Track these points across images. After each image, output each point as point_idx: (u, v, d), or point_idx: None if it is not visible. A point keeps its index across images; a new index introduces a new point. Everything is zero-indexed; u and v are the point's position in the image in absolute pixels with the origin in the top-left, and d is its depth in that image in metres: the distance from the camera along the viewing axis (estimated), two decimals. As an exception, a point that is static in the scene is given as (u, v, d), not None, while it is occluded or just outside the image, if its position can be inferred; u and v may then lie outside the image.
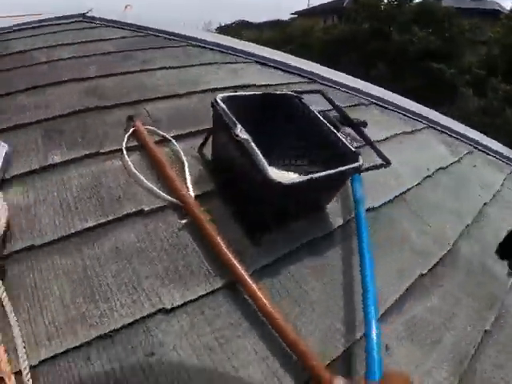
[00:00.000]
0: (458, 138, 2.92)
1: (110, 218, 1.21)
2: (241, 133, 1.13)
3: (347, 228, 1.48)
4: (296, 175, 1.27)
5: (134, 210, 1.24)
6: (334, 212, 1.50)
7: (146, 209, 1.25)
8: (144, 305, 1.00)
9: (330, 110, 1.93)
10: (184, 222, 1.22)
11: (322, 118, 1.42)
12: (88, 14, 2.98)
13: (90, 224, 1.17)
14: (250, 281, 1.04)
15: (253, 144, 1.10)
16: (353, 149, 1.31)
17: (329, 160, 1.26)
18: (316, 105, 1.61)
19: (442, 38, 21.74)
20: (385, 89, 3.13)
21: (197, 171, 1.45)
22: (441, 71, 20.89)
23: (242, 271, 1.05)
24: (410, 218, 1.74)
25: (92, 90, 1.87)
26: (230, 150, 1.24)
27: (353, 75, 3.16)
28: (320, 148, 1.37)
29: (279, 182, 1.03)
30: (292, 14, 37.27)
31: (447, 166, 2.36)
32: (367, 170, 1.36)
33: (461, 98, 19.58)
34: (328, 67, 3.12)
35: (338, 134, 1.37)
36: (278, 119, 1.46)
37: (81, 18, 2.95)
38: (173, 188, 1.29)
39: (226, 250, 1.09)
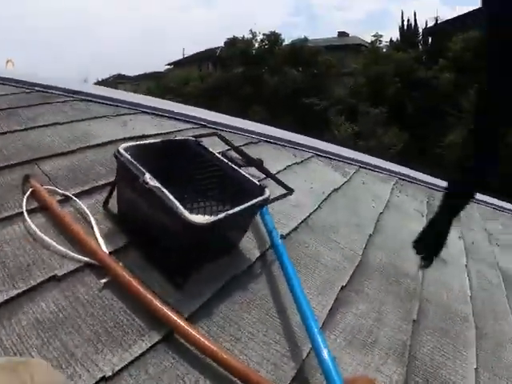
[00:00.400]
0: (343, 161, 3.18)
1: (23, 288, 1.09)
2: (150, 180, 1.13)
3: (264, 258, 1.54)
4: (208, 216, 1.28)
5: (46, 276, 1.14)
6: (248, 246, 1.54)
7: (60, 273, 1.16)
8: (82, 377, 0.91)
9: (227, 150, 2.01)
10: (104, 281, 1.15)
11: (223, 159, 1.47)
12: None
13: (1, 299, 1.05)
14: (186, 327, 1.01)
15: (165, 190, 1.10)
16: (258, 183, 1.37)
17: (237, 197, 1.31)
18: (213, 147, 1.67)
19: (311, 75, 23.54)
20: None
21: (105, 227, 1.38)
22: (313, 105, 22.53)
23: (177, 319, 1.02)
24: (317, 239, 1.85)
25: None
26: (139, 199, 1.23)
27: (231, 118, 3.31)
28: (227, 187, 1.41)
29: (198, 223, 1.04)
30: (167, 65, 37.98)
31: (340, 187, 2.58)
32: (274, 200, 1.43)
33: (334, 126, 21.25)
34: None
35: (242, 172, 1.43)
36: (181, 164, 1.49)
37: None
38: (85, 248, 1.22)
39: (155, 301, 1.05)
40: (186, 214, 1.06)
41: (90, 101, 2.64)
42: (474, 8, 30.00)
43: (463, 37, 23.84)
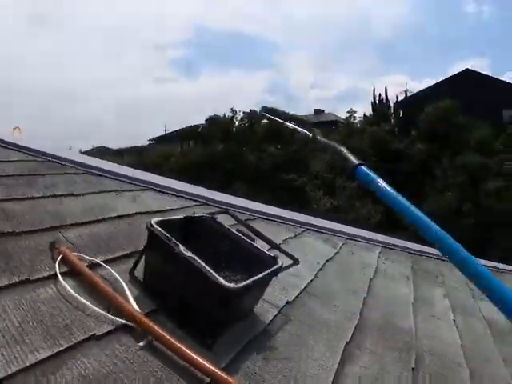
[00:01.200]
0: (332, 234, 3.41)
1: (64, 346, 1.16)
2: (185, 251, 1.30)
3: (275, 320, 1.71)
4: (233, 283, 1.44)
5: (86, 335, 1.22)
6: (261, 311, 1.71)
7: (98, 334, 1.24)
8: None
9: (234, 224, 2.20)
10: (142, 343, 1.26)
11: (237, 233, 1.67)
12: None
13: (45, 355, 1.10)
14: (226, 377, 1.14)
15: (199, 259, 1.28)
16: (271, 254, 1.57)
17: (254, 267, 1.49)
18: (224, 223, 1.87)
19: (289, 152, 24.36)
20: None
21: (134, 292, 1.49)
22: (292, 180, 23.13)
23: (216, 370, 1.15)
24: (319, 303, 2.05)
25: (1, 214, 1.79)
26: (170, 268, 1.39)
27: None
28: (242, 258, 1.59)
29: (231, 288, 1.21)
30: (149, 140, 38.91)
31: (332, 258, 2.80)
32: (285, 269, 1.60)
33: (314, 200, 21.76)
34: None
35: (255, 245, 1.63)
36: (200, 238, 1.67)
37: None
38: (121, 309, 1.32)
39: (193, 355, 1.18)
40: (221, 279, 1.23)
41: (99, 175, 2.81)
42: (439, 80, 32.37)
43: (432, 108, 25.19)
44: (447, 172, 22.42)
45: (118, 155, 30.36)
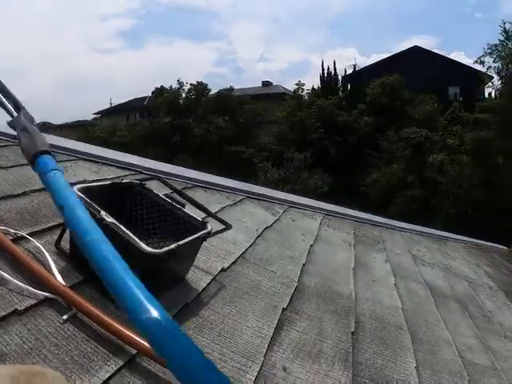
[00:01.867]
0: (273, 202, 3.43)
1: None
2: (107, 217, 1.26)
3: (209, 288, 1.70)
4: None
5: (7, 311, 1.17)
6: (193, 278, 1.69)
7: (20, 308, 1.20)
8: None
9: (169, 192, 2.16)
10: (66, 316, 1.22)
11: (167, 199, 1.64)
12: None
13: None
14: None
15: (120, 225, 1.24)
16: (200, 219, 1.55)
17: (182, 232, 1.46)
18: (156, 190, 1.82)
19: (237, 124, 24.29)
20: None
21: (59, 266, 1.45)
22: (239, 153, 23.14)
23: (142, 341, 1.13)
24: (256, 270, 2.05)
25: None
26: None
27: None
28: (172, 224, 1.56)
29: (154, 252, 1.19)
30: (94, 113, 37.53)
31: (271, 225, 2.82)
32: (215, 234, 1.58)
33: (261, 172, 21.93)
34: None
35: (185, 210, 1.60)
36: (127, 205, 1.62)
37: None
38: (45, 283, 1.28)
39: (119, 326, 1.15)
40: (142, 245, 1.19)
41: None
42: (387, 56, 33.04)
43: (379, 82, 25.85)
44: (393, 145, 23.18)
45: (62, 130, 29.16)
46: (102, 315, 1.20)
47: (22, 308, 1.21)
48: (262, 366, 1.35)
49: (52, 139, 2.85)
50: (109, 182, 1.61)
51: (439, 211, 20.23)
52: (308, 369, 1.44)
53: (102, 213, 1.28)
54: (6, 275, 1.29)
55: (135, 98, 33.50)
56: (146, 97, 30.28)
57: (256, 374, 1.30)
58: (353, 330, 1.82)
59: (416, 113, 25.11)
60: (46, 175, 1.19)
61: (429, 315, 2.35)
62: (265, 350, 1.44)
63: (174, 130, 24.22)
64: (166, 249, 1.23)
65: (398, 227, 4.60)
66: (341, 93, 30.64)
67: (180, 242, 1.29)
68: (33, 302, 1.24)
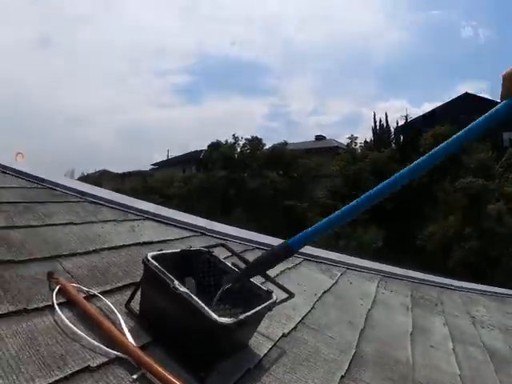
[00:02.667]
0: (330, 264, 3.42)
1: (59, 376, 1.15)
2: (179, 287, 1.33)
3: (270, 354, 1.71)
4: (227, 318, 1.46)
5: (80, 367, 1.22)
6: (256, 344, 1.71)
7: (93, 365, 1.24)
8: None
9: (228, 256, 2.21)
10: (136, 376, 1.27)
11: (232, 267, 1.70)
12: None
13: None
14: None
15: (192, 295, 1.30)
16: (265, 289, 1.59)
17: (248, 301, 1.51)
18: (219, 255, 1.88)
19: (291, 178, 24.50)
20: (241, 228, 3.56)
21: (130, 325, 1.51)
22: (294, 207, 23.18)
23: None
24: (315, 336, 2.04)
25: (1, 241, 1.79)
26: (166, 302, 1.41)
27: (213, 219, 3.52)
28: (237, 292, 1.61)
29: (224, 323, 1.23)
30: (152, 164, 39.22)
31: (329, 288, 2.81)
32: (279, 303, 1.61)
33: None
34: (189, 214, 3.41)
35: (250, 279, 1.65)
36: (195, 272, 1.69)
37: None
38: (115, 342, 1.33)
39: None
40: (214, 315, 1.25)
41: (99, 203, 2.83)
42: (438, 104, 32.71)
43: (432, 132, 25.47)
44: (449, 196, 22.52)
45: (120, 179, 30.48)
46: (169, 376, 1.23)
47: (95, 365, 1.25)
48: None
49: (122, 199, 3.03)
50: (179, 250, 1.69)
51: (499, 263, 19.17)
52: None
53: (176, 282, 1.35)
54: (79, 332, 1.35)
55: (192, 152, 34.80)
56: (202, 150, 31.31)
57: None
58: None
59: (471, 162, 24.43)
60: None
61: (488, 381, 2.24)
62: None
63: (229, 184, 24.76)
64: (235, 320, 1.27)
65: (457, 287, 4.42)
66: (393, 145, 30.35)
67: (248, 313, 1.33)
68: (105, 359, 1.29)
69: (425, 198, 23.17)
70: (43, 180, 2.88)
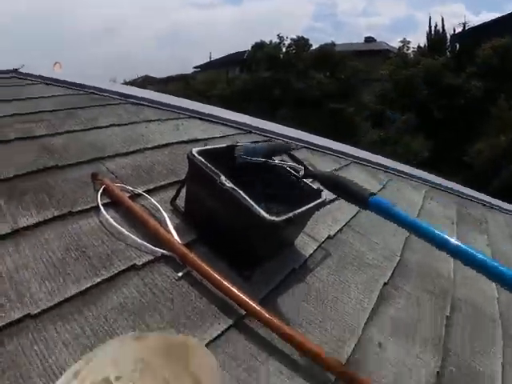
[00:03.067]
0: (378, 169, 3.30)
1: (105, 276, 1.18)
2: (226, 182, 1.27)
3: (315, 255, 1.70)
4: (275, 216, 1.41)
5: (126, 265, 1.24)
6: (302, 244, 1.70)
7: (139, 263, 1.26)
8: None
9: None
10: (181, 274, 1.27)
11: (282, 164, 1.62)
12: (20, 70, 2.93)
13: (86, 285, 1.12)
14: (261, 310, 1.15)
15: (240, 191, 1.24)
16: (315, 187, 1.51)
17: (297, 200, 1.44)
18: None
19: (338, 80, 23.56)
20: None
21: (174, 223, 1.49)
22: (340, 110, 22.53)
23: (252, 303, 1.16)
24: (360, 240, 2.01)
25: (43, 149, 1.80)
26: (212, 199, 1.37)
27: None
28: (286, 190, 1.55)
29: (273, 221, 1.18)
30: (195, 67, 38.42)
31: (377, 193, 2.69)
32: (329, 203, 1.55)
33: (361, 131, 21.23)
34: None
35: (299, 176, 1.57)
36: (241, 168, 1.63)
37: (13, 74, 2.89)
38: (161, 240, 1.33)
39: (232, 288, 1.19)
40: (262, 212, 1.19)
41: (142, 104, 2.78)
42: (500, 15, 29.77)
43: (491, 44, 23.53)
44: (503, 113, 21.06)
45: (163, 84, 30.23)
46: (214, 274, 1.23)
47: (140, 263, 1.27)
48: (359, 339, 1.34)
49: (166, 98, 2.95)
50: (225, 145, 1.61)
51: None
52: (401, 348, 1.42)
53: (222, 177, 1.29)
54: (124, 231, 1.35)
55: (235, 53, 33.65)
56: (246, 51, 30.24)
57: (353, 346, 1.30)
58: (448, 314, 1.73)
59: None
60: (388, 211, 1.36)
61: None
62: (363, 323, 1.43)
63: (273, 85, 24.06)
64: (284, 217, 1.22)
65: (504, 209, 4.24)
66: (448, 53, 28.16)
67: (297, 211, 1.28)
68: (150, 257, 1.30)
69: (477, 112, 21.78)
70: (83, 86, 2.83)
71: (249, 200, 1.22)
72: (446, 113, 22.45)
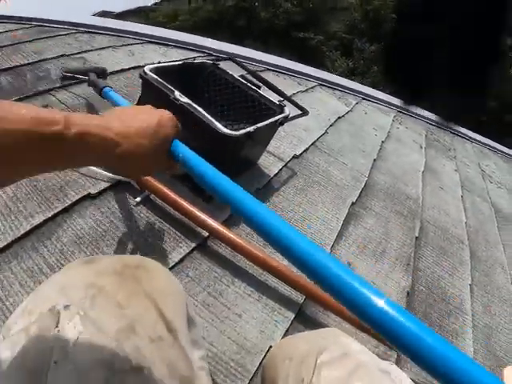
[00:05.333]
0: (346, 92, 3.23)
1: (59, 209, 1.12)
2: (181, 97, 1.19)
3: (280, 175, 1.67)
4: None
5: (81, 195, 1.18)
6: (265, 164, 1.65)
7: (94, 192, 1.20)
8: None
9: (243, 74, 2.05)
10: (142, 196, 1.23)
11: (242, 80, 1.53)
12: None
13: (39, 220, 1.07)
14: (224, 230, 1.12)
15: (196, 105, 1.16)
16: (277, 102, 1.44)
17: (259, 115, 1.38)
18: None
19: (305, 9, 22.73)
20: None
21: None
22: (307, 40, 21.93)
23: (214, 223, 1.13)
24: (327, 160, 1.97)
25: None
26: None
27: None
28: (248, 107, 1.47)
29: (232, 134, 1.12)
30: (154, -2, 36.35)
31: (344, 115, 2.67)
32: (292, 118, 1.48)
33: (329, 61, 20.83)
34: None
35: (261, 92, 1.49)
36: (199, 86, 1.54)
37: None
38: None
39: (192, 209, 1.15)
40: (219, 126, 1.13)
41: (94, 32, 2.58)
42: None
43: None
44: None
45: (121, 18, 28.62)
46: (174, 196, 1.19)
47: (96, 192, 1.21)
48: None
49: (118, 24, 2.75)
50: (180, 62, 1.50)
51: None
52: (371, 267, 1.43)
53: (176, 93, 1.21)
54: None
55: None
56: (209, -21, 28.73)
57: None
58: (417, 235, 1.75)
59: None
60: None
61: (490, 235, 2.21)
62: (332, 243, 1.43)
63: (238, 14, 23.10)
64: (243, 131, 1.16)
65: (471, 137, 4.27)
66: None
67: (258, 125, 1.21)
68: (106, 185, 1.24)
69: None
70: (31, 19, 2.56)
71: (206, 114, 1.15)
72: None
